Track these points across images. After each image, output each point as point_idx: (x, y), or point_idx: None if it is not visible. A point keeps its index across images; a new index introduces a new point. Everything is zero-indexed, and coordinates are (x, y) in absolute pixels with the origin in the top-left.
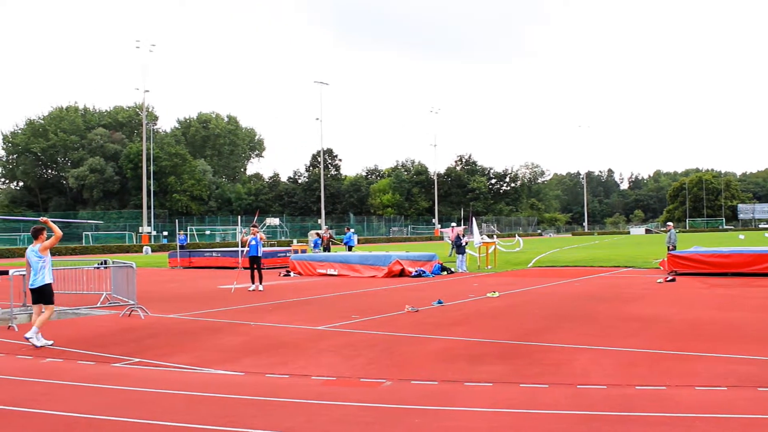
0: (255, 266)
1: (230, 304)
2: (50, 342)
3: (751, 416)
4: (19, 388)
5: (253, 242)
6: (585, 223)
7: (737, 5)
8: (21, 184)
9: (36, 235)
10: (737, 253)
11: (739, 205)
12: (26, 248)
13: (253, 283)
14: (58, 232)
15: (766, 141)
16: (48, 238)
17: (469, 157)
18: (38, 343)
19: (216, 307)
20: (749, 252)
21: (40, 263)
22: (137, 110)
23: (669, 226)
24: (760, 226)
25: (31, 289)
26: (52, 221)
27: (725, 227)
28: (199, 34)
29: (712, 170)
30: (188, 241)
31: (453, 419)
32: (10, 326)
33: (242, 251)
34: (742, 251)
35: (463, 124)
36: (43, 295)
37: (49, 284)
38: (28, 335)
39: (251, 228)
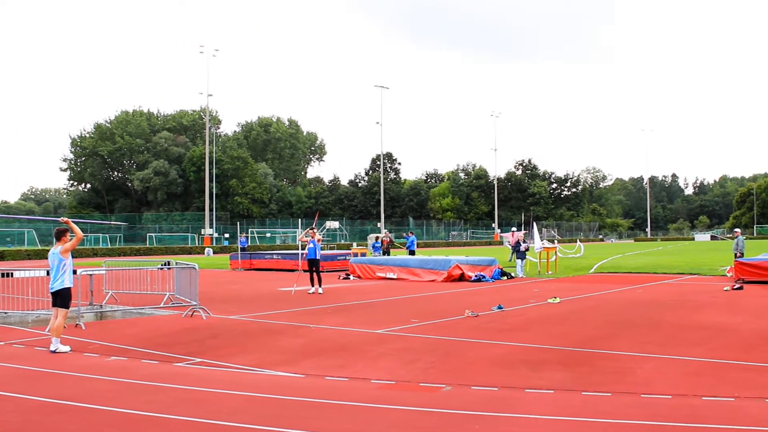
0: (314, 269)
1: (290, 306)
2: (68, 348)
3: None
4: (86, 385)
5: (311, 245)
6: (648, 229)
7: None
8: (88, 186)
9: (59, 236)
10: None
11: None
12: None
13: (312, 285)
14: (80, 233)
15: None
16: (70, 240)
17: (530, 161)
18: (63, 349)
19: (276, 309)
20: None
21: (60, 266)
22: (201, 114)
23: (736, 232)
24: None
25: (51, 293)
26: (73, 222)
27: None
28: (261, 39)
29: None
30: (249, 244)
31: (513, 426)
32: (77, 324)
33: (302, 254)
34: None
35: (524, 128)
36: (59, 298)
37: (68, 288)
38: (52, 348)
39: (309, 231)
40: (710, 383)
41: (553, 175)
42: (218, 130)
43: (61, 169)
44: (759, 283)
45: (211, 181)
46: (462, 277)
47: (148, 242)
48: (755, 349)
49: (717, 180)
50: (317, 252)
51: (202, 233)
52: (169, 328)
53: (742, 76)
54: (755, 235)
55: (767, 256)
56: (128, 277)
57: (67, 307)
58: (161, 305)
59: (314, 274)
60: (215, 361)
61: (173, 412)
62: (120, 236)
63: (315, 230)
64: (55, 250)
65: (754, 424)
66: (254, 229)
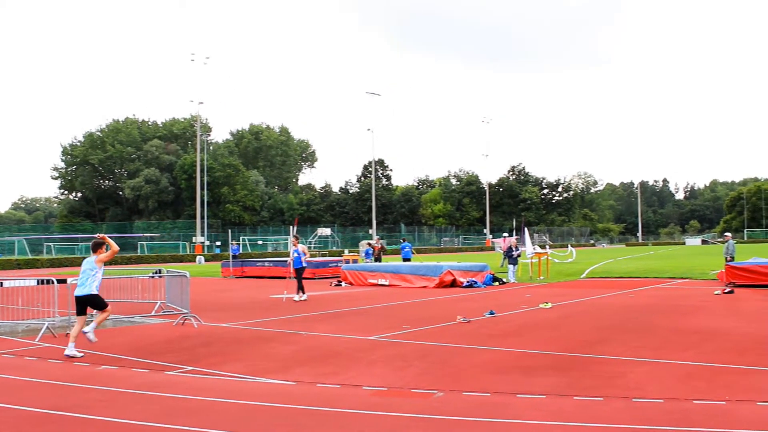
0: (298, 276)
1: (282, 314)
2: (81, 354)
3: None
4: (77, 395)
5: (296, 254)
6: (639, 234)
7: None
8: (79, 194)
9: (95, 248)
10: None
11: None
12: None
13: (298, 293)
14: (115, 247)
15: None
16: (106, 252)
17: (522, 167)
18: (77, 354)
19: (268, 316)
20: None
21: (91, 274)
22: (191, 122)
23: (727, 236)
24: None
25: (77, 297)
26: (109, 236)
27: None
28: (252, 47)
29: None
30: (241, 251)
31: (505, 431)
32: (67, 333)
33: (288, 261)
34: None
35: (516, 134)
36: (93, 303)
37: (96, 295)
38: (90, 336)
39: (293, 239)
40: (702, 387)
41: (544, 181)
42: (209, 138)
43: (52, 178)
44: (750, 286)
45: (202, 188)
46: (454, 283)
47: (139, 250)
48: (747, 353)
49: (708, 184)
50: (301, 260)
51: (194, 241)
52: (160, 337)
53: (731, 80)
54: (745, 239)
55: (758, 260)
56: (119, 285)
57: (106, 306)
58: (152, 313)
59: (298, 281)
60: (207, 369)
61: (164, 421)
62: None
63: (298, 238)
64: (91, 259)
65: (746, 428)
66: (246, 237)
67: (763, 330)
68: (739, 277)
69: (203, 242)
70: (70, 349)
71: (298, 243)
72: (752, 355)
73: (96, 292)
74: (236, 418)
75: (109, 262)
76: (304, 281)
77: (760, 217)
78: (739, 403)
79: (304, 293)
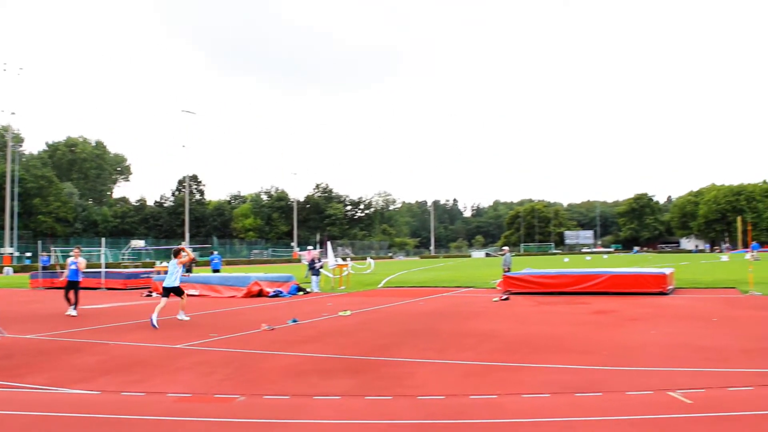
0: (73, 289)
1: (90, 324)
2: (188, 317)
3: (569, 419)
4: None
5: (73, 266)
6: (432, 247)
7: (569, 44)
8: None
9: (176, 254)
10: (562, 275)
11: (566, 232)
12: None
13: (70, 305)
14: (191, 255)
15: (587, 175)
16: (183, 257)
17: (327, 185)
18: (185, 318)
19: (76, 327)
20: (572, 273)
21: (175, 271)
22: (2, 132)
23: (505, 250)
24: (582, 250)
25: (165, 288)
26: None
27: (554, 251)
28: (70, 60)
29: (543, 200)
30: (52, 262)
31: (302, 431)
32: None
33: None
34: (566, 273)
35: (323, 153)
36: (176, 292)
37: (178, 286)
38: (179, 317)
39: (75, 250)
40: (478, 383)
41: (347, 198)
42: (21, 149)
43: None
44: (523, 294)
45: (12, 199)
46: (261, 293)
47: None
48: (516, 352)
49: (491, 204)
50: (78, 273)
51: (2, 252)
52: None
53: (510, 111)
54: (521, 252)
55: (530, 271)
56: None
57: (182, 293)
58: None
59: (73, 293)
60: (7, 381)
61: None
62: None
63: (80, 250)
64: (174, 261)
65: (512, 417)
66: (58, 248)
67: (531, 331)
68: (514, 285)
69: (12, 253)
70: (181, 315)
71: (79, 255)
72: (521, 354)
73: (179, 284)
74: (34, 429)
75: None
76: (74, 293)
77: (533, 233)
78: (509, 396)
79: (75, 307)
